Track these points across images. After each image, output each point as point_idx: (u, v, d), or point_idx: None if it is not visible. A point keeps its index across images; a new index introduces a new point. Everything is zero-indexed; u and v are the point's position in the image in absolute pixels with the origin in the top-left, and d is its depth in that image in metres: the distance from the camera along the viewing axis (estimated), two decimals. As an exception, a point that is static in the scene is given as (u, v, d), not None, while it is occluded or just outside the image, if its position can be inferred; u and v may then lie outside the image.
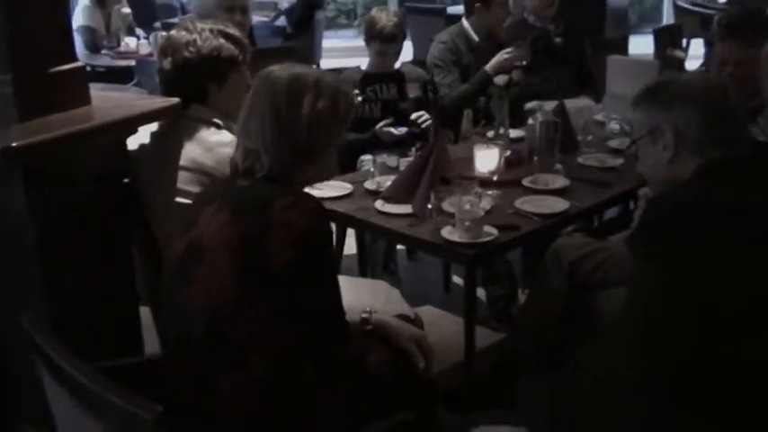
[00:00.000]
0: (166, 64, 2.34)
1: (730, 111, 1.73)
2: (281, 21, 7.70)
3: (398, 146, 3.55)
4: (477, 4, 4.07)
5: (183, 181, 2.23)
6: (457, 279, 3.81)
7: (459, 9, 8.09)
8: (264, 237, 1.62)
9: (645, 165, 1.89)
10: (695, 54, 6.58)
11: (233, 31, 2.42)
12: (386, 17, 3.63)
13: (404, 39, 3.74)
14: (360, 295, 2.34)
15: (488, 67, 3.83)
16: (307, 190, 2.71)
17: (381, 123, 3.62)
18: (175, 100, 2.25)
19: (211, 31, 2.35)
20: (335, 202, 2.74)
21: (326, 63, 8.08)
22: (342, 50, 9.29)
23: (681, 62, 4.29)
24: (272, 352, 1.64)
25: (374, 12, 3.69)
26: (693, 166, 1.68)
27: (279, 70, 1.84)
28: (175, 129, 2.30)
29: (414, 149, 3.21)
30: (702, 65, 5.36)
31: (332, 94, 1.81)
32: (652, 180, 1.90)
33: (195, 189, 2.15)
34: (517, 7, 4.99)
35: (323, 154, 1.85)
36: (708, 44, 5.48)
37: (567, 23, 4.38)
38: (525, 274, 3.55)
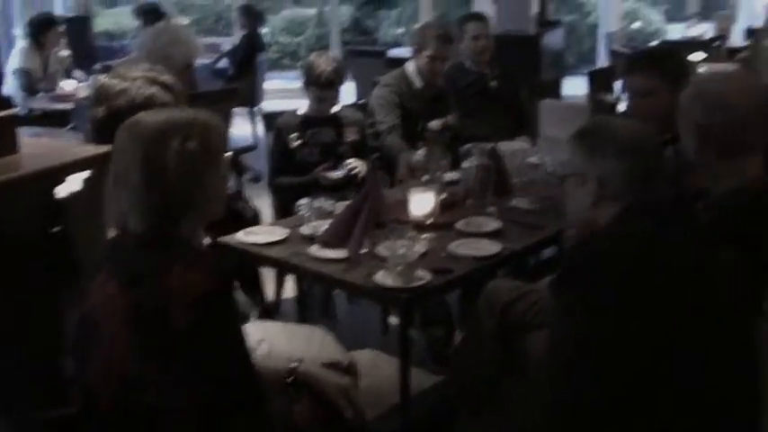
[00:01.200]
0: (99, 112, 2.32)
1: (654, 159, 1.79)
2: (224, 62, 7.75)
3: (337, 190, 3.57)
4: (414, 46, 4.14)
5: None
6: (395, 321, 3.82)
7: (400, 52, 8.28)
8: (162, 305, 1.57)
9: (569, 202, 1.94)
10: (628, 96, 6.78)
11: (166, 77, 2.42)
12: (324, 62, 3.65)
13: (342, 84, 3.78)
14: (294, 342, 2.34)
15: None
16: (241, 235, 2.77)
17: (320, 167, 3.64)
18: (107, 148, 2.24)
19: (144, 78, 2.35)
20: (270, 247, 2.74)
21: (269, 104, 8.13)
22: (285, 92, 9.33)
23: (612, 106, 4.43)
24: (188, 417, 1.60)
25: (313, 57, 3.71)
26: (614, 210, 1.73)
27: (145, 117, 1.75)
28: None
29: (354, 194, 3.24)
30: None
31: (202, 132, 1.71)
32: (573, 217, 1.95)
33: None
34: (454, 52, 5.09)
35: (205, 198, 1.74)
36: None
37: (502, 67, 4.49)
38: (463, 315, 3.58)
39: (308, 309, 3.48)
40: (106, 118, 2.30)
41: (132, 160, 1.67)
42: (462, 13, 12.16)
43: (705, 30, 8.51)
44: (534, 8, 6.58)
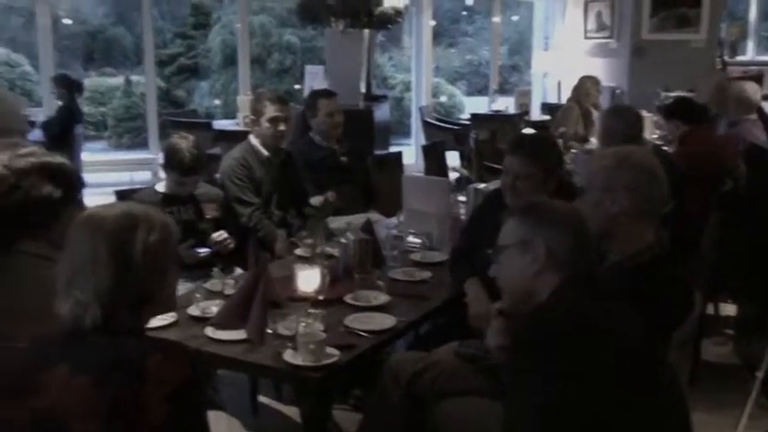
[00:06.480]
0: None
1: (590, 236, 1.94)
2: (36, 135, 7.31)
3: (200, 267, 3.49)
4: (252, 117, 4.18)
5: None
6: (263, 399, 3.75)
7: (225, 124, 8.25)
8: (139, 396, 1.54)
9: (505, 271, 1.98)
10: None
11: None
12: (186, 147, 3.55)
13: (203, 169, 3.71)
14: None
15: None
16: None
17: (184, 245, 3.55)
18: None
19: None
20: (161, 332, 2.62)
21: (87, 178, 7.76)
22: (100, 164, 8.97)
23: (467, 178, 4.69)
24: None
25: (175, 139, 3.61)
26: (556, 281, 1.85)
27: (102, 211, 1.73)
28: None
29: (216, 269, 3.19)
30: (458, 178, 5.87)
31: (162, 226, 1.74)
32: (509, 287, 1.99)
33: None
34: (295, 127, 5.18)
35: (163, 291, 1.77)
36: (465, 157, 6.02)
37: (350, 143, 4.63)
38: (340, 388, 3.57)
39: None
40: None
41: (96, 255, 1.63)
42: (276, 86, 12.45)
43: (507, 104, 9.22)
44: (363, 84, 6.86)
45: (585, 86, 6.87)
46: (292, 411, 3.65)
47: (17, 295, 2.00)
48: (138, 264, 1.65)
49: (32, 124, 7.37)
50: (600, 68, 8.94)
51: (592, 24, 9.93)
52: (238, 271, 3.37)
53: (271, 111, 4.07)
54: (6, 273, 2.06)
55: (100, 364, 1.58)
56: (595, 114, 6.60)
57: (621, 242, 2.24)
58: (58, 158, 2.22)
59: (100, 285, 1.63)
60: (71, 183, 2.19)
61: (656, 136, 6.09)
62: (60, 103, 7.25)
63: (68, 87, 7.21)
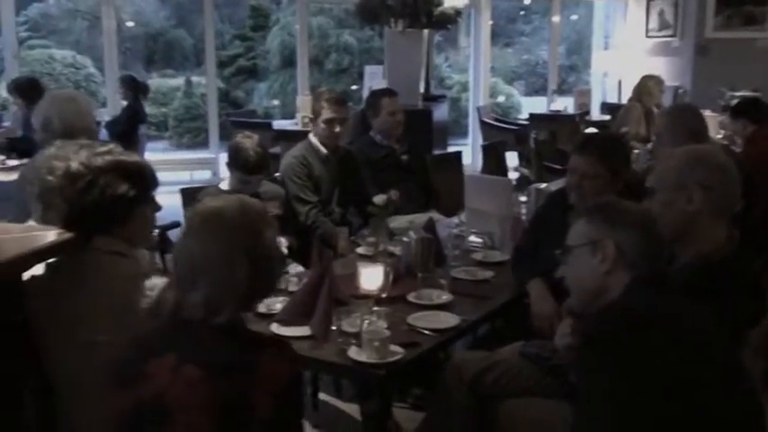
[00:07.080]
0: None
1: (660, 235, 1.92)
2: (101, 134, 7.48)
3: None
4: (310, 117, 4.22)
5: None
6: (323, 396, 3.78)
7: (284, 124, 8.33)
8: (251, 392, 1.57)
9: (574, 271, 1.98)
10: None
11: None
12: (251, 146, 3.58)
13: (267, 168, 3.75)
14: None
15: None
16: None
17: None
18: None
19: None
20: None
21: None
22: (162, 163, 9.13)
23: (528, 178, 4.67)
24: None
25: (239, 139, 3.64)
26: (626, 280, 1.84)
27: (218, 207, 1.73)
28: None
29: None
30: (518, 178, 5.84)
31: (272, 222, 1.78)
32: (578, 287, 1.98)
33: None
34: (354, 127, 5.21)
35: (274, 283, 1.83)
36: (524, 157, 5.99)
37: (410, 142, 4.64)
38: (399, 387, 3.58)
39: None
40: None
41: (229, 254, 1.65)
42: (333, 86, 12.55)
43: (565, 105, 9.13)
44: (422, 84, 6.87)
45: (647, 86, 6.76)
46: (352, 408, 3.68)
47: (94, 291, 2.05)
48: (269, 260, 1.70)
49: (98, 124, 7.58)
50: (662, 67, 8.79)
51: (654, 23, 9.78)
52: (296, 267, 3.40)
53: (327, 112, 4.11)
54: (83, 269, 2.11)
55: (214, 360, 1.60)
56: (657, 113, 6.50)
57: (695, 241, 2.21)
58: (134, 157, 2.26)
59: (235, 283, 1.64)
60: (145, 181, 2.22)
61: (720, 136, 5.96)
62: (125, 103, 7.43)
63: (134, 88, 7.37)
